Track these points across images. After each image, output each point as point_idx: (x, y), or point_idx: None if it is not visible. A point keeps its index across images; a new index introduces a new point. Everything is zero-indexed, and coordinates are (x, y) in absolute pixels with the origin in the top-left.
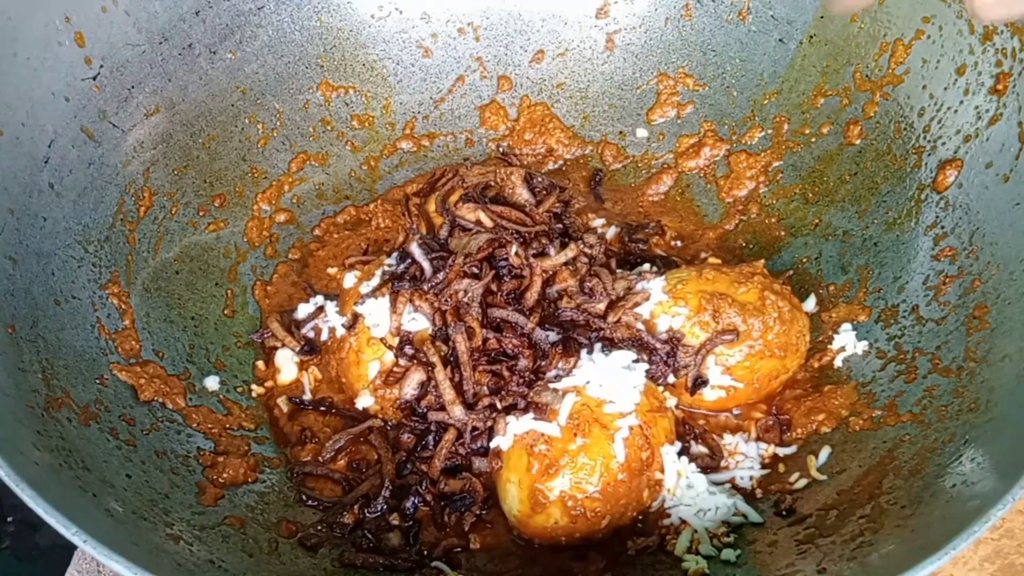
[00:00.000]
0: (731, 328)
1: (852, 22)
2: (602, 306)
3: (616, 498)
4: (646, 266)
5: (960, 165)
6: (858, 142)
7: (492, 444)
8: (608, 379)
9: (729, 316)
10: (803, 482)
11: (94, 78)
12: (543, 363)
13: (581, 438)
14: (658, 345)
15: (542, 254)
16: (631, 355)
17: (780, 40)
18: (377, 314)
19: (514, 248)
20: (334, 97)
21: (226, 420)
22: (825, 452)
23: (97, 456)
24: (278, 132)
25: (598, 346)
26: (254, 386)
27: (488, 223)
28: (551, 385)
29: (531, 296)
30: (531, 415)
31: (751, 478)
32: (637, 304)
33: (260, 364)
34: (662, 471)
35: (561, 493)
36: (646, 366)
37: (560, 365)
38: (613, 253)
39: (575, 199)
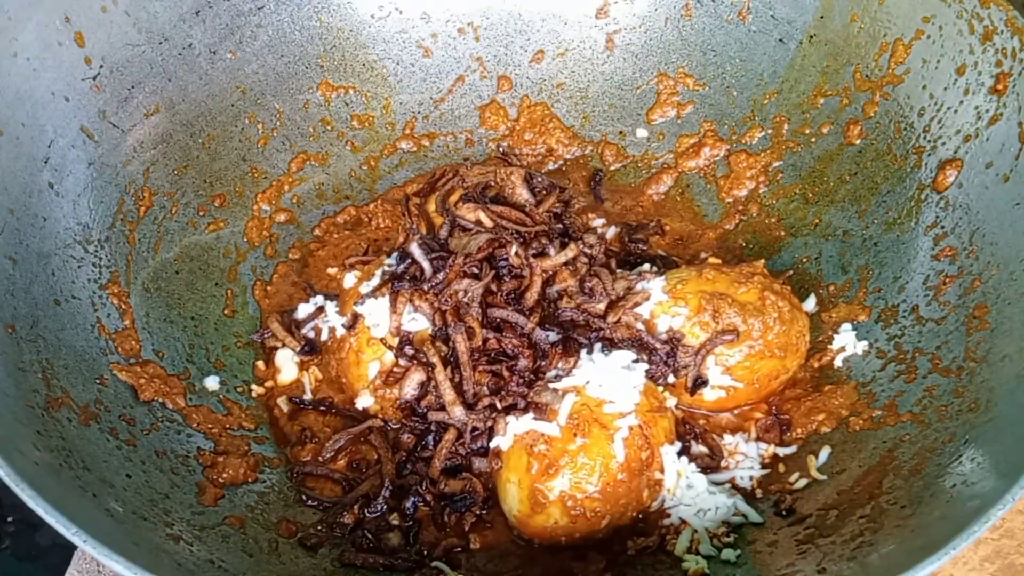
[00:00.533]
0: (731, 328)
1: (852, 22)
2: (602, 306)
3: (616, 498)
4: (646, 266)
5: (960, 165)
6: (858, 142)
7: (492, 444)
8: (608, 379)
9: (729, 316)
10: (803, 482)
11: (94, 78)
12: (543, 363)
13: (581, 438)
14: (658, 345)
15: (542, 254)
16: (631, 355)
17: (780, 40)
18: (377, 314)
19: (514, 248)
20: (334, 97)
21: (226, 420)
22: (825, 452)
23: (97, 456)
24: (278, 132)
25: (598, 346)
26: (254, 386)
27: (488, 223)
28: (551, 385)
29: (531, 296)
30: (531, 415)
31: (751, 478)
32: (637, 304)
33: (260, 364)
34: (662, 471)
35: (561, 493)
36: (646, 366)
37: (560, 365)
38: (613, 253)
39: (575, 199)
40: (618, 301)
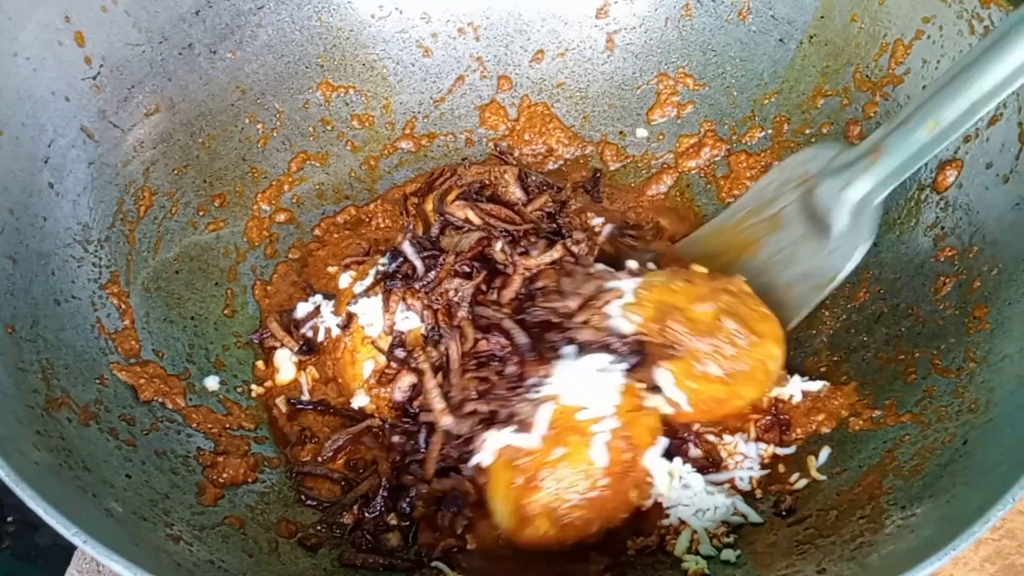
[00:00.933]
0: (671, 343)
1: (852, 22)
2: (574, 304)
3: (602, 503)
4: (633, 264)
5: (960, 165)
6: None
7: (475, 461)
8: (584, 383)
9: (675, 332)
10: (803, 482)
11: (94, 78)
12: (525, 367)
13: (560, 448)
14: (621, 349)
15: (528, 252)
16: (608, 357)
17: (780, 40)
18: (370, 313)
19: (499, 244)
20: (334, 97)
21: (226, 420)
22: (825, 452)
23: (97, 456)
24: (278, 132)
25: (573, 349)
26: (254, 386)
27: (477, 221)
28: (528, 395)
29: (509, 293)
30: (510, 428)
31: (751, 478)
32: (607, 303)
33: (260, 364)
34: (649, 471)
35: (545, 505)
36: (625, 365)
37: (537, 374)
38: (607, 253)
39: (572, 199)
40: (590, 300)
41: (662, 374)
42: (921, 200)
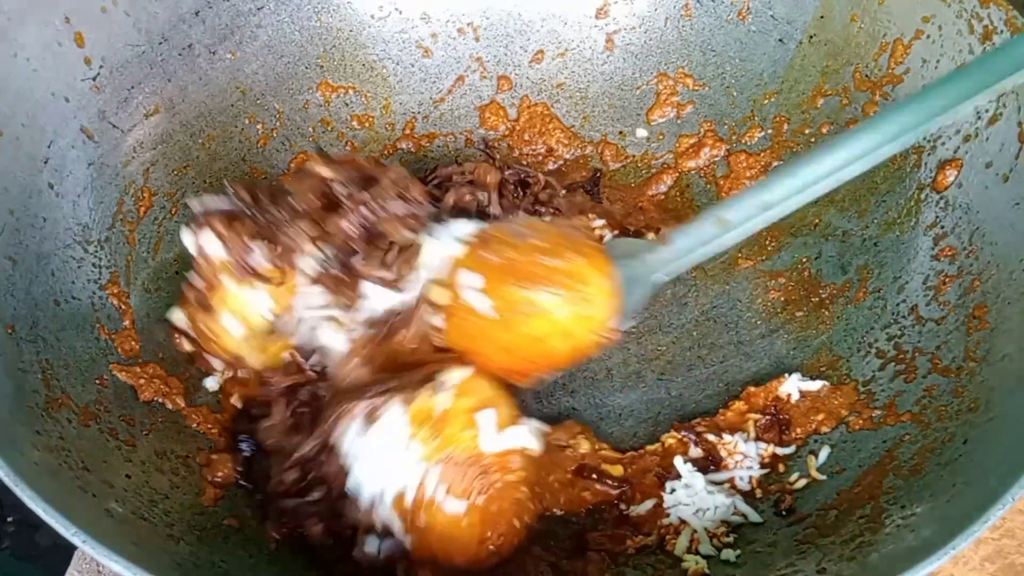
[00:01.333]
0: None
1: (852, 22)
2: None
3: (492, 520)
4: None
5: (960, 165)
6: None
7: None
8: (376, 460)
9: (488, 239)
10: (803, 482)
11: (94, 78)
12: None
13: (426, 526)
14: (376, 394)
15: (369, 188)
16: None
17: (780, 40)
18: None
19: (339, 187)
20: (334, 97)
21: (225, 420)
22: (825, 452)
23: (97, 456)
24: (278, 132)
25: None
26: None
27: (329, 175)
28: (358, 500)
29: (344, 225)
30: (373, 537)
31: (751, 478)
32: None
33: (186, 344)
34: (496, 453)
35: (461, 567)
36: (400, 406)
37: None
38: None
39: (538, 179)
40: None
41: (469, 275)
42: (921, 200)
